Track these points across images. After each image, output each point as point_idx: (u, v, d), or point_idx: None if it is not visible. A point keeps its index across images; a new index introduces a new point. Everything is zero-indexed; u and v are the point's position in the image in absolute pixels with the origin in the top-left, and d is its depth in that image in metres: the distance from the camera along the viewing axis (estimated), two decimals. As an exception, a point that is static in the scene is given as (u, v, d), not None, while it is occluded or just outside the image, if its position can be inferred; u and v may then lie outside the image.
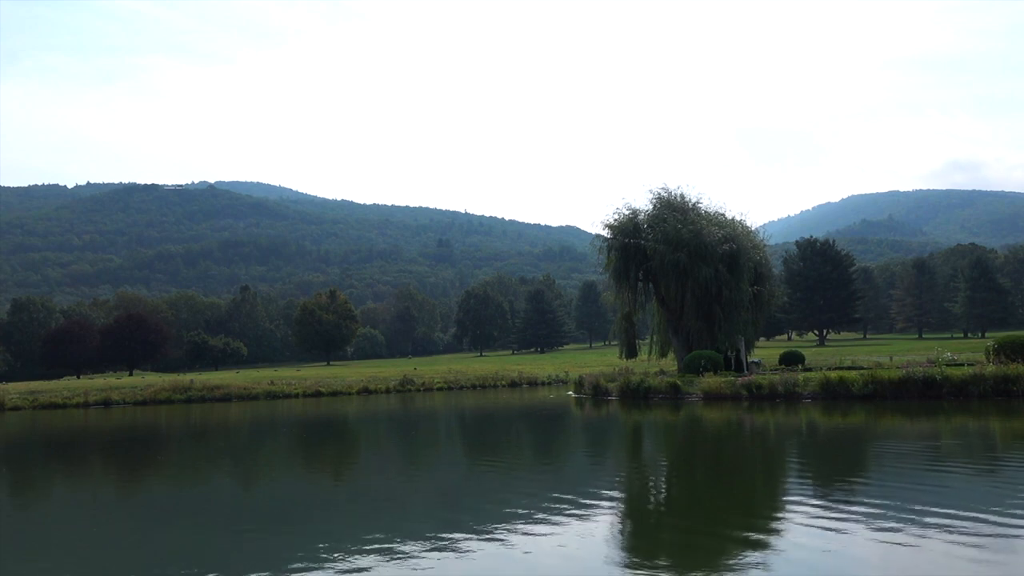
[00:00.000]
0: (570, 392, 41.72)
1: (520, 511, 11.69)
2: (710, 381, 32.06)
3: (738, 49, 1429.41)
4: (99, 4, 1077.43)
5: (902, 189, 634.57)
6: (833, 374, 29.83)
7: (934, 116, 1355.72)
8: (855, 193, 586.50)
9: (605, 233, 42.67)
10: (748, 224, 43.08)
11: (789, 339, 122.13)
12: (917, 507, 10.64)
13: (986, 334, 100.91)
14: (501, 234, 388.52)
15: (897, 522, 9.78)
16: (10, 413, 42.65)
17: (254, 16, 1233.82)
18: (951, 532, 9.18)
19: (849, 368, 34.56)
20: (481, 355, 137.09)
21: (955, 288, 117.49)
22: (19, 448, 26.67)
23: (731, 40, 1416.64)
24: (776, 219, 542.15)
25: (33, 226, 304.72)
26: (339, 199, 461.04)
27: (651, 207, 42.35)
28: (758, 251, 41.71)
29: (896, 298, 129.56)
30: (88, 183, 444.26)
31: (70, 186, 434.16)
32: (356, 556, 9.32)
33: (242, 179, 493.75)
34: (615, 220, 42.36)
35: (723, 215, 42.40)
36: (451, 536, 10.17)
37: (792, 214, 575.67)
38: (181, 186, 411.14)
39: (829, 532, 9.61)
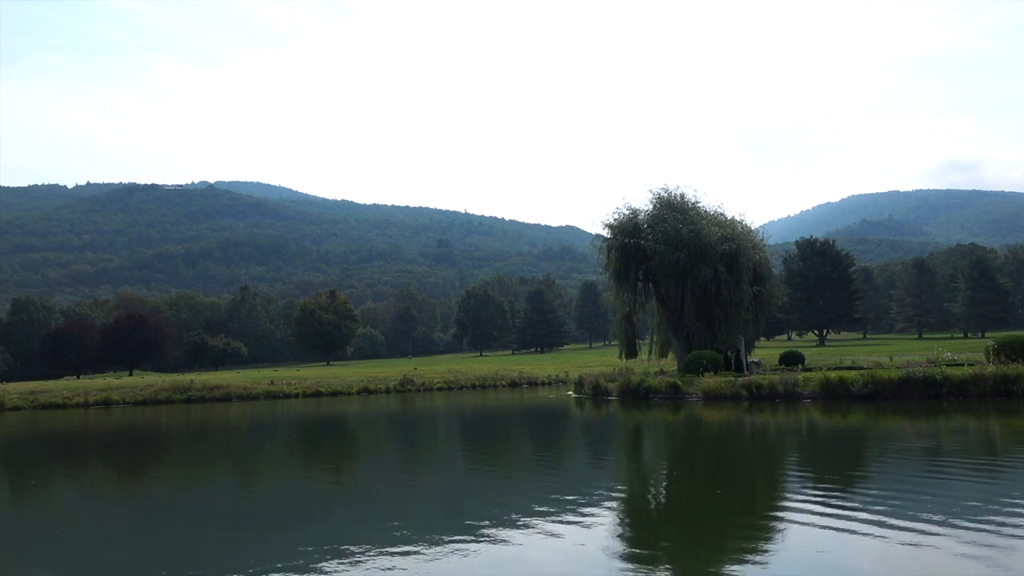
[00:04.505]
0: (570, 392, 41.70)
1: (520, 511, 11.70)
2: (710, 381, 32.05)
3: (738, 50, 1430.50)
4: (99, 4, 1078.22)
5: (902, 189, 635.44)
6: (833, 374, 29.83)
7: (932, 116, 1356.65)
8: (855, 193, 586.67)
9: (605, 233, 42.62)
10: (748, 224, 43.07)
11: (789, 339, 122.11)
12: (916, 507, 10.64)
13: (986, 334, 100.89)
14: (501, 234, 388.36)
15: (897, 522, 9.78)
16: (10, 413, 42.63)
17: (254, 16, 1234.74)
18: (950, 532, 9.18)
19: (849, 368, 34.55)
20: (481, 355, 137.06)
21: (955, 288, 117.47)
22: (19, 448, 26.66)
23: (731, 41, 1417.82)
24: (776, 219, 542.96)
25: (33, 226, 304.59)
26: (339, 199, 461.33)
27: (651, 207, 42.32)
28: (758, 251, 41.67)
29: (896, 298, 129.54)
30: (88, 183, 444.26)
31: (70, 186, 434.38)
32: (356, 556, 9.33)
33: (242, 179, 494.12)
34: (615, 220, 42.33)
35: (723, 215, 42.37)
36: (451, 536, 10.18)
37: (792, 214, 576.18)
38: (181, 186, 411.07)
39: (828, 532, 9.62)
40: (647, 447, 21.29)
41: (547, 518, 11.04)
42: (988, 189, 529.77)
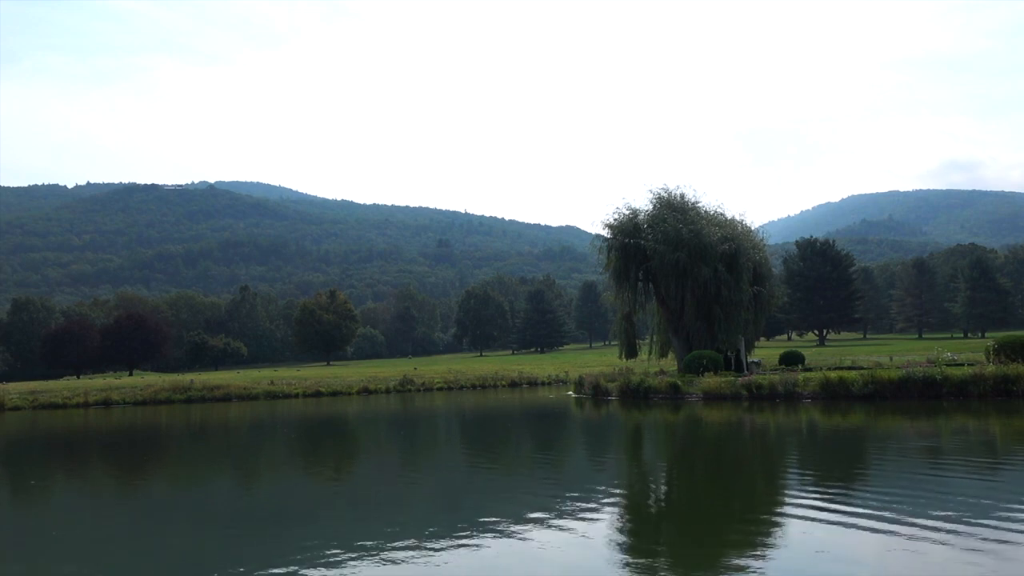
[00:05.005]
0: (570, 392, 41.70)
1: (520, 511, 11.69)
2: (710, 381, 32.05)
3: (738, 50, 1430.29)
4: (99, 4, 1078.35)
5: (902, 189, 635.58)
6: (833, 374, 29.82)
7: (932, 116, 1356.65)
8: (855, 193, 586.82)
9: (605, 233, 42.62)
10: (748, 224, 43.09)
11: (789, 339, 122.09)
12: (916, 507, 10.64)
13: (986, 334, 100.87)
14: (501, 234, 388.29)
15: (896, 522, 9.78)
16: (10, 413, 42.62)
17: (254, 16, 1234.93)
18: (950, 532, 9.18)
19: (849, 368, 34.54)
20: (481, 355, 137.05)
21: (955, 288, 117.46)
22: (19, 448, 26.66)
23: (731, 41, 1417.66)
24: (776, 219, 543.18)
25: (33, 226, 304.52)
26: (339, 199, 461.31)
27: (651, 207, 42.32)
28: (758, 251, 41.67)
29: (896, 298, 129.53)
30: (88, 183, 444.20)
31: (70, 186, 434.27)
32: (356, 556, 9.33)
33: (242, 179, 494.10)
34: (615, 220, 42.33)
35: (723, 215, 42.37)
36: (451, 536, 10.18)
37: (792, 214, 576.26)
38: (181, 186, 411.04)
39: (828, 532, 9.62)
40: (647, 447, 21.29)
41: (547, 518, 11.04)
42: (988, 189, 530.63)
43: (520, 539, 9.93)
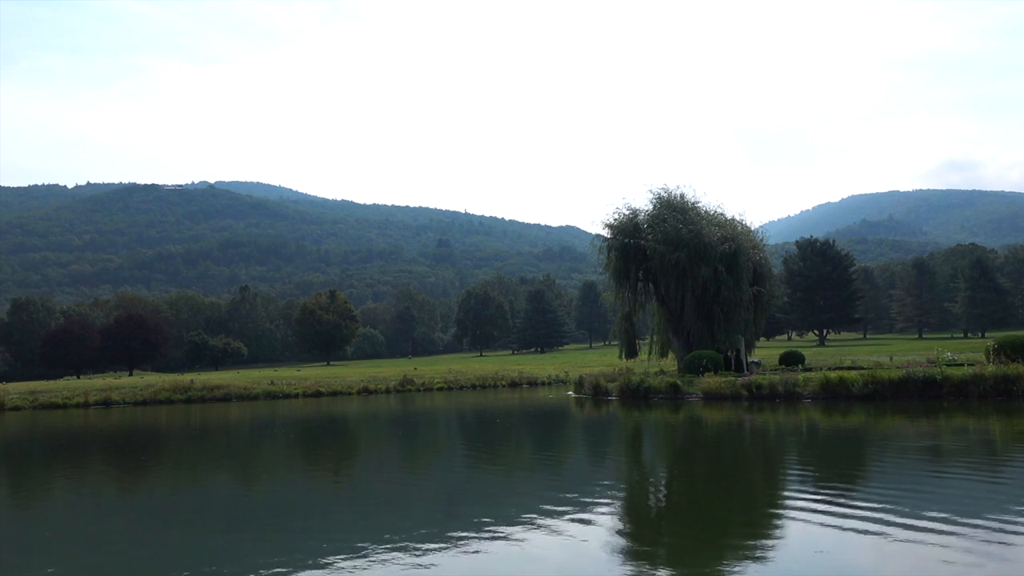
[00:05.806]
0: (570, 392, 41.71)
1: (520, 511, 11.70)
2: (710, 381, 32.05)
3: (737, 50, 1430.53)
4: (98, 4, 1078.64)
5: (902, 189, 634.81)
6: (833, 374, 29.82)
7: (932, 116, 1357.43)
8: (855, 193, 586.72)
9: (605, 233, 42.62)
10: (747, 224, 43.07)
11: (789, 339, 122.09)
12: (916, 507, 10.64)
13: (986, 334, 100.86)
14: (501, 234, 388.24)
15: (896, 522, 9.78)
16: (10, 413, 42.63)
17: (253, 17, 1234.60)
18: (950, 532, 9.18)
19: (849, 368, 34.55)
20: (481, 355, 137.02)
21: (955, 288, 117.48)
22: (19, 448, 26.66)
23: (730, 41, 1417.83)
24: (776, 219, 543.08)
25: (33, 226, 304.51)
26: (339, 199, 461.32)
27: (651, 207, 42.31)
28: (758, 251, 41.66)
29: (896, 298, 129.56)
30: (88, 183, 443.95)
31: (70, 186, 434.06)
32: (355, 556, 9.33)
33: (242, 179, 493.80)
34: (615, 220, 42.33)
35: (723, 215, 42.35)
36: (451, 537, 10.18)
37: (792, 214, 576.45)
38: (181, 186, 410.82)
39: (828, 532, 9.62)
40: (647, 447, 21.30)
41: (547, 518, 11.04)
42: (988, 189, 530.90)
43: (520, 539, 9.94)
